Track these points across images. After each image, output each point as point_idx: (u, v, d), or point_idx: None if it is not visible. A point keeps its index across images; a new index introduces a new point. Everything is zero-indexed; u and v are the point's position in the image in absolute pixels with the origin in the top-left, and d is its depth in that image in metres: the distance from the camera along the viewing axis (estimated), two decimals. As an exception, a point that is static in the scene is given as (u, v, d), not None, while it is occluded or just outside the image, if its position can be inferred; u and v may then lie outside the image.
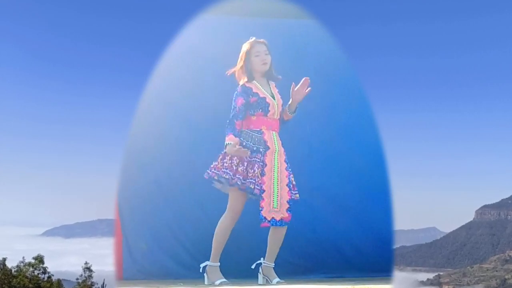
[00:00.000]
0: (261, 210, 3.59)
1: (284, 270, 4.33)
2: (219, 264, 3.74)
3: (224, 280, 3.70)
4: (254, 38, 3.76)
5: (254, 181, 3.60)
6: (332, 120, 4.64)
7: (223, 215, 3.75)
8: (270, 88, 3.79)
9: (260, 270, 3.82)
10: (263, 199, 3.59)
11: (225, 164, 3.64)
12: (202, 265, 3.76)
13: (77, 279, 10.14)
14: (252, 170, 3.61)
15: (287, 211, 3.62)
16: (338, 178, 4.61)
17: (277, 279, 3.75)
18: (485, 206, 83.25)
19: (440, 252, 78.83)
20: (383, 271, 4.20)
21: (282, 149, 3.74)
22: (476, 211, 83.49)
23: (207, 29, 4.50)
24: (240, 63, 3.74)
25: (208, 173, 3.70)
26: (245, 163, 3.64)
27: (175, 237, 4.52)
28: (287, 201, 3.62)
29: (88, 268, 10.18)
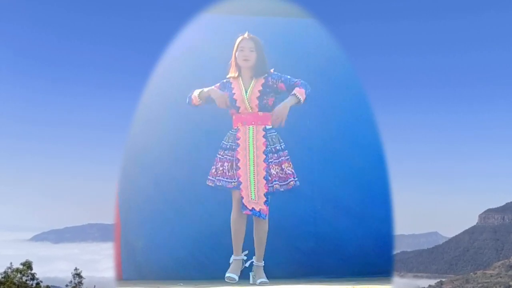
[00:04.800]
0: (242, 199, 3.71)
1: (285, 270, 4.36)
2: (241, 257, 3.82)
3: (231, 275, 3.75)
4: (247, 33, 3.85)
5: (229, 180, 3.77)
6: (332, 120, 4.64)
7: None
8: (251, 83, 3.84)
9: (252, 269, 3.88)
10: (241, 190, 3.72)
11: (218, 171, 3.82)
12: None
13: (66, 285, 10.08)
14: (226, 168, 3.79)
15: (264, 204, 3.70)
16: (338, 178, 4.60)
17: (261, 279, 3.80)
18: (489, 210, 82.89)
19: (442, 258, 78.56)
20: (383, 271, 4.20)
21: (262, 140, 3.80)
22: (480, 215, 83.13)
23: (207, 29, 4.52)
24: (232, 57, 3.88)
25: (209, 179, 3.86)
26: (226, 164, 3.82)
27: (175, 237, 4.52)
28: (264, 194, 3.71)
29: (78, 275, 10.14)
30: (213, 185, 3.82)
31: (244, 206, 3.69)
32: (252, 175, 3.73)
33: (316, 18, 4.48)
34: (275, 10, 4.63)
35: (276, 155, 3.80)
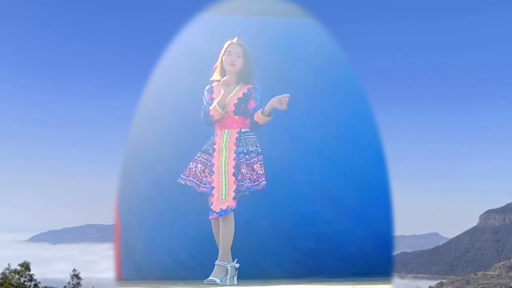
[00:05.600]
0: (211, 205, 3.71)
1: (285, 270, 4.36)
2: (222, 264, 3.77)
3: (213, 279, 3.72)
4: (236, 39, 3.88)
5: (198, 182, 3.82)
6: (332, 120, 4.64)
7: None
8: (235, 89, 3.87)
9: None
10: (212, 195, 3.73)
11: (191, 171, 3.86)
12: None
13: (65, 286, 10.03)
14: (198, 170, 3.83)
15: (233, 199, 3.71)
16: (338, 178, 4.60)
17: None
18: (490, 211, 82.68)
19: (443, 259, 78.46)
20: (383, 272, 4.19)
21: (234, 141, 3.81)
22: (480, 216, 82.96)
23: (207, 29, 4.51)
24: (218, 60, 3.92)
25: (181, 177, 3.90)
26: (199, 166, 3.86)
27: (175, 237, 4.52)
28: (233, 191, 3.72)
29: (76, 276, 10.10)
30: (183, 183, 3.86)
31: (211, 211, 3.69)
32: (224, 175, 3.74)
33: (316, 18, 4.48)
34: (275, 10, 4.63)
35: (248, 156, 3.80)
